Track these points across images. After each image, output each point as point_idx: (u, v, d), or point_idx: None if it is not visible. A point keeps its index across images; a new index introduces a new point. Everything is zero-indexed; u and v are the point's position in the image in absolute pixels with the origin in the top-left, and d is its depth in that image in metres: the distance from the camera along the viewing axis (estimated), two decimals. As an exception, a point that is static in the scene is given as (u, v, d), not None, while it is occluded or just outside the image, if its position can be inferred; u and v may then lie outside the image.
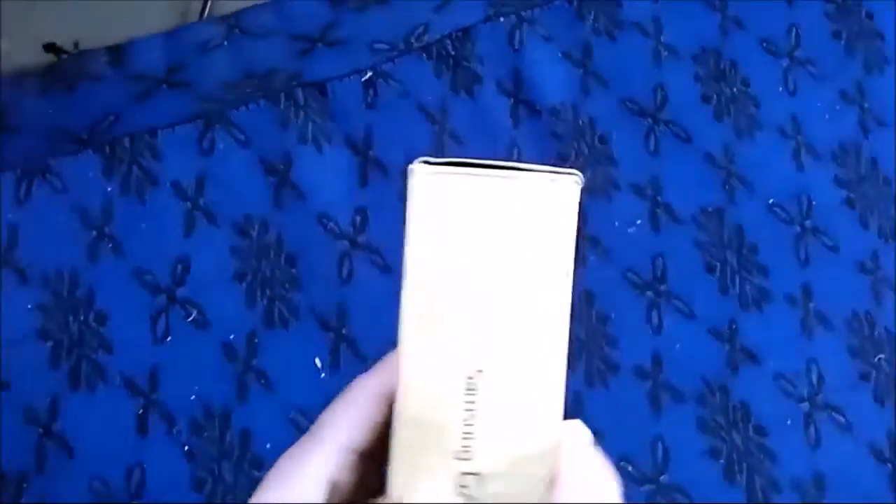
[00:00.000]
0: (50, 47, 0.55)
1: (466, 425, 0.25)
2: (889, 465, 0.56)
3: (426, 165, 0.25)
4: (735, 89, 0.61)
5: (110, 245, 0.51)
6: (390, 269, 0.53)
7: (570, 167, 0.28)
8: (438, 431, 0.25)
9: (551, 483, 0.25)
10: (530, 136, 0.57)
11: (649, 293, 0.56)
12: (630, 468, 0.52)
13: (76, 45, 0.55)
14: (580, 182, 0.26)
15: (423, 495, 0.25)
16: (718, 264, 0.57)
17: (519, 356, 0.25)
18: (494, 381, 0.25)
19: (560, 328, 0.25)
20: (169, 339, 0.50)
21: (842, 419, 0.56)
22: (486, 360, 0.25)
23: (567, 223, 0.25)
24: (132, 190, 0.52)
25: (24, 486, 0.47)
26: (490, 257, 0.25)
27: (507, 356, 0.25)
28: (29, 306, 0.49)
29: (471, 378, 0.25)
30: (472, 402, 0.25)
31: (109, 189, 0.52)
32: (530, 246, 0.25)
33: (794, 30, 0.63)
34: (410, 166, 0.25)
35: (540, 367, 0.25)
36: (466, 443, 0.25)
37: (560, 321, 0.25)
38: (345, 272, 0.53)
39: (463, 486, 0.25)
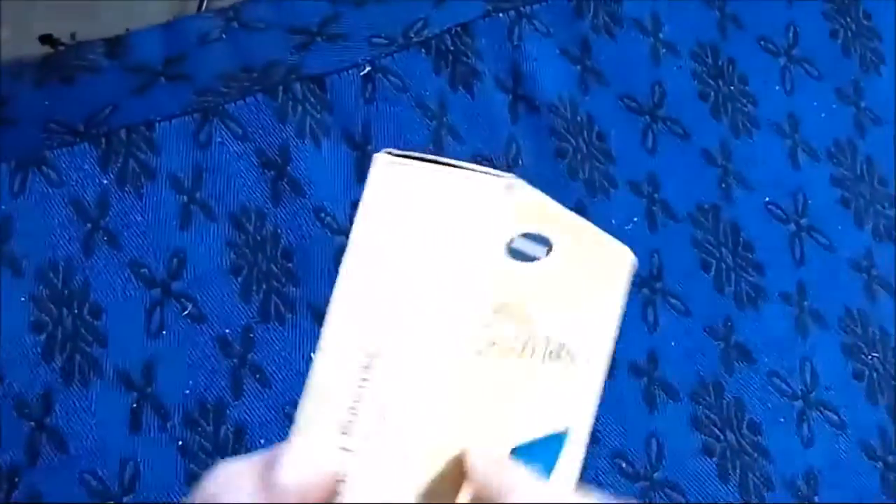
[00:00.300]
0: (46, 39, 0.55)
1: (354, 402, 0.25)
2: (880, 462, 0.56)
3: (386, 155, 0.26)
4: (732, 87, 0.61)
5: (105, 238, 0.51)
6: (387, 264, 0.52)
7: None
8: (331, 402, 0.26)
9: (431, 491, 0.25)
10: (529, 131, 0.57)
11: (645, 290, 0.56)
12: (624, 465, 0.53)
13: (73, 36, 0.55)
14: (512, 187, 0.25)
15: (306, 460, 0.25)
16: (714, 262, 0.57)
17: (416, 349, 0.25)
18: (388, 368, 0.25)
19: (461, 335, 0.25)
20: (164, 332, 0.50)
21: (835, 417, 0.56)
22: (387, 344, 0.26)
23: (493, 227, 0.25)
24: (128, 182, 0.52)
25: (17, 479, 0.47)
26: (414, 248, 0.26)
27: (405, 345, 0.25)
28: (23, 299, 0.49)
29: (369, 358, 0.26)
30: (365, 381, 0.26)
31: (105, 181, 0.51)
32: (449, 244, 0.25)
33: (791, 28, 0.63)
34: (375, 154, 0.26)
35: (436, 366, 0.25)
36: (351, 418, 0.25)
37: (463, 330, 0.25)
38: (341, 267, 0.52)
39: (342, 460, 0.25)
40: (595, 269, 0.30)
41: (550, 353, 0.28)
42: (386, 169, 0.26)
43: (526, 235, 0.27)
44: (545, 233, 0.27)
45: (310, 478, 0.23)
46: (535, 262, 0.27)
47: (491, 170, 0.26)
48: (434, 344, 0.25)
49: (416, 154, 0.26)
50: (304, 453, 0.24)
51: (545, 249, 0.27)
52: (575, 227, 0.29)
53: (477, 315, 0.25)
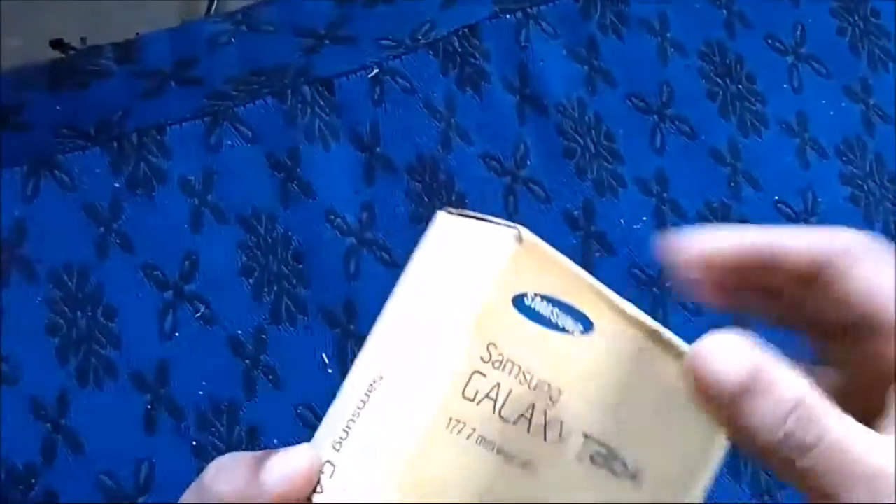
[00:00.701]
0: (57, 43, 0.55)
1: (350, 421, 0.26)
2: None
3: (445, 213, 0.28)
4: (741, 86, 0.61)
5: (118, 241, 0.51)
6: (397, 265, 0.53)
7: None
8: (336, 417, 0.27)
9: None
10: (537, 132, 0.57)
11: (654, 290, 0.56)
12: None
13: (83, 41, 0.56)
14: (519, 238, 0.26)
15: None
16: (723, 261, 0.57)
17: (407, 377, 0.26)
18: (385, 392, 0.26)
19: (446, 373, 0.26)
20: (177, 334, 0.50)
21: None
22: (388, 370, 0.27)
23: (493, 273, 0.26)
24: (140, 186, 0.52)
25: (33, 481, 0.47)
26: (435, 286, 0.27)
27: (399, 374, 0.26)
28: (37, 301, 0.50)
29: (373, 381, 0.27)
30: (364, 402, 0.26)
31: (117, 185, 0.52)
32: (457, 288, 0.26)
33: (799, 27, 0.63)
34: (437, 211, 0.28)
35: (417, 399, 0.26)
36: (343, 435, 0.26)
37: (448, 372, 0.26)
38: (352, 268, 0.53)
39: (322, 472, 0.26)
40: (670, 386, 0.28)
41: (592, 456, 0.27)
42: (439, 223, 0.28)
43: (554, 303, 0.27)
44: (580, 306, 0.27)
45: (288, 481, 0.25)
46: (564, 337, 0.27)
47: (508, 223, 0.27)
48: (420, 376, 0.26)
49: (475, 214, 0.28)
50: (290, 458, 0.25)
51: (577, 325, 0.27)
52: (628, 318, 0.27)
53: (464, 358, 0.26)
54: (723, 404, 0.24)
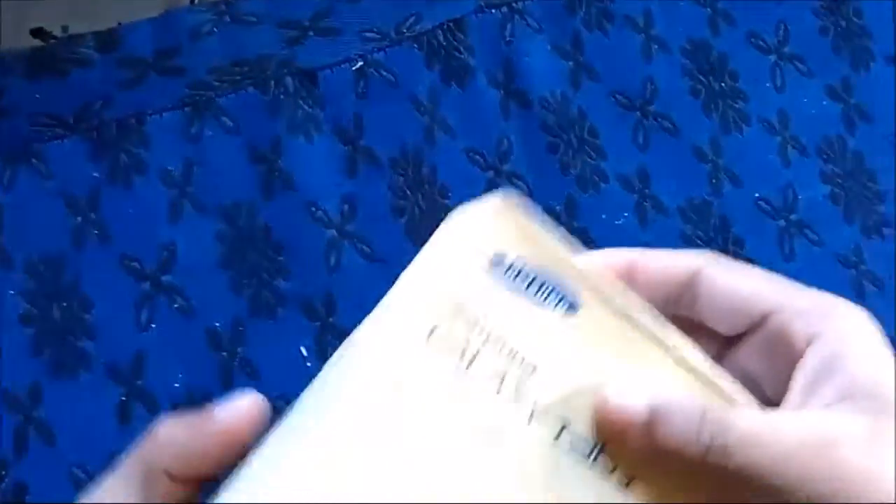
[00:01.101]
0: (37, 32, 0.55)
1: (311, 385, 0.27)
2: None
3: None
4: (723, 84, 0.61)
5: (96, 231, 0.51)
6: (378, 258, 0.53)
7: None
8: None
9: None
10: (520, 126, 0.57)
11: (636, 286, 0.56)
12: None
13: (65, 29, 0.55)
14: (501, 198, 0.26)
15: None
16: (705, 258, 0.57)
17: (369, 336, 0.26)
18: (348, 356, 0.26)
19: (408, 323, 0.26)
20: (153, 326, 0.50)
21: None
22: (357, 335, 0.27)
23: (466, 229, 0.26)
24: (119, 176, 0.52)
25: (3, 473, 0.47)
26: (421, 259, 0.27)
27: (364, 335, 0.26)
28: (12, 292, 0.49)
29: (342, 353, 0.27)
30: (330, 367, 0.27)
31: (96, 175, 0.51)
32: (436, 251, 0.27)
33: (782, 26, 0.63)
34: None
35: (375, 347, 0.26)
36: (304, 395, 0.28)
37: (412, 317, 0.26)
38: (332, 261, 0.52)
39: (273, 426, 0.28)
40: (660, 381, 0.26)
41: (572, 444, 0.25)
42: (451, 217, 0.28)
43: (537, 275, 0.26)
44: (565, 286, 0.26)
45: (233, 413, 0.27)
46: (545, 312, 0.26)
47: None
48: (378, 329, 0.25)
49: None
50: (238, 396, 0.27)
51: (562, 304, 0.26)
52: (615, 306, 0.26)
53: (427, 306, 0.25)
54: (641, 438, 0.25)
